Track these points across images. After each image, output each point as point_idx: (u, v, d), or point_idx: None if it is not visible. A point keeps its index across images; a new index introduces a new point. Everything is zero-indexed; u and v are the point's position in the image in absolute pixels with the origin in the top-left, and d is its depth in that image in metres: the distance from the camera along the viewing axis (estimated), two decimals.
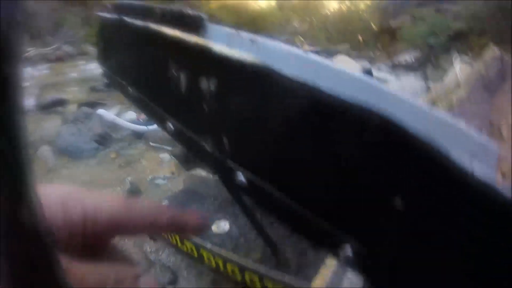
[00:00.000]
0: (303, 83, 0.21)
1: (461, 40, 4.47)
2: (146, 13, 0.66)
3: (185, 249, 0.60)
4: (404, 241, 0.22)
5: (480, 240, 0.19)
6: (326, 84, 0.21)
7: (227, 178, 0.31)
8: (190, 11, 0.80)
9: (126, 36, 0.48)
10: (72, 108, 3.50)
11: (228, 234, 0.65)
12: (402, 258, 0.23)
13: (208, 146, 0.33)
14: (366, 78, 0.22)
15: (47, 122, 3.09)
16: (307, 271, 0.51)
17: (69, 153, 2.22)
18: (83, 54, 7.54)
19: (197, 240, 0.59)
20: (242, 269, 0.48)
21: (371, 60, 6.97)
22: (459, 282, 0.21)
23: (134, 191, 1.50)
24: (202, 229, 0.29)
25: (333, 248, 0.25)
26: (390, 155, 0.20)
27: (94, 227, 0.23)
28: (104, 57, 0.63)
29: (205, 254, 0.56)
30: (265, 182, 0.28)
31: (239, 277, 0.50)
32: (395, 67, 5.22)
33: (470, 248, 0.20)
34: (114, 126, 2.42)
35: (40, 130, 2.94)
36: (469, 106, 1.19)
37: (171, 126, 0.39)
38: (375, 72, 4.11)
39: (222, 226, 0.70)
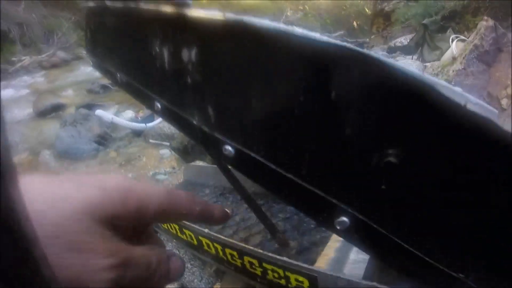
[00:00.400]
0: (278, 30, 0.20)
1: (456, 19, 4.42)
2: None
3: (184, 237, 0.60)
4: (402, 199, 0.21)
5: (479, 183, 0.18)
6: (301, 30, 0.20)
7: (215, 150, 0.30)
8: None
9: (110, 20, 0.47)
10: (70, 111, 3.51)
11: (228, 220, 0.65)
12: (401, 219, 0.22)
13: (195, 120, 0.32)
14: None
15: (46, 127, 3.11)
16: (308, 254, 0.51)
17: (69, 156, 2.22)
18: (77, 59, 7.53)
19: (196, 227, 0.58)
20: (241, 254, 0.48)
21: (367, 46, 6.93)
22: (461, 236, 0.21)
23: None
24: (225, 220, 0.33)
25: (329, 219, 0.24)
26: (381, 104, 0.19)
27: (145, 214, 0.26)
28: (92, 47, 0.63)
29: (204, 241, 0.55)
30: (253, 151, 0.28)
31: (238, 262, 0.49)
32: (391, 51, 5.18)
33: (471, 195, 0.19)
34: (113, 126, 2.42)
35: (40, 135, 2.94)
36: (466, 79, 1.18)
37: (159, 105, 0.38)
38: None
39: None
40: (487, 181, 0.18)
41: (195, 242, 0.57)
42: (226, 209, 0.33)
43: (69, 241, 0.21)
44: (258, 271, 0.46)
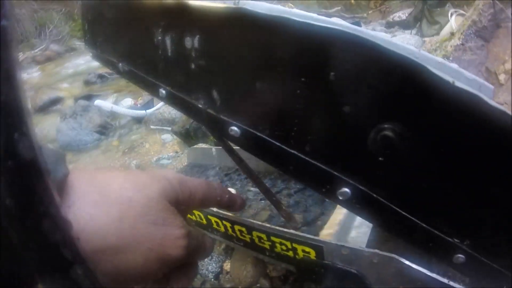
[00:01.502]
0: (276, 17, 0.22)
1: None
2: None
3: (194, 218, 0.62)
4: (398, 170, 0.23)
5: (473, 156, 0.20)
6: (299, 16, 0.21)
7: (222, 131, 0.32)
8: None
9: (108, 11, 0.48)
10: (69, 104, 3.50)
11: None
12: (398, 188, 0.24)
13: (200, 104, 0.34)
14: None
15: (46, 122, 3.11)
16: (313, 226, 0.54)
17: (72, 147, 2.24)
18: (71, 51, 7.44)
19: (206, 212, 0.61)
20: (250, 229, 0.50)
21: (365, 21, 6.83)
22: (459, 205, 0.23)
23: None
24: (243, 206, 0.42)
25: (332, 191, 0.26)
26: (376, 83, 0.21)
27: (193, 201, 0.34)
28: (91, 38, 0.63)
29: (213, 219, 0.58)
30: (258, 131, 0.29)
31: (247, 238, 0.52)
32: (390, 25, 5.12)
33: (461, 166, 0.21)
34: (113, 115, 2.42)
35: (41, 130, 2.95)
36: (464, 54, 1.17)
37: (163, 92, 0.40)
38: (375, 32, 4.02)
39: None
40: (475, 152, 0.20)
41: (205, 222, 0.59)
42: (244, 199, 0.42)
43: (154, 218, 0.27)
44: (267, 244, 0.49)
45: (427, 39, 3.14)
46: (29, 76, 5.78)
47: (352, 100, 0.22)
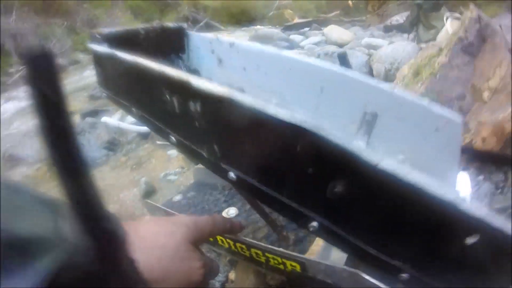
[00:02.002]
0: (256, 110, 0.30)
1: None
2: (132, 37, 0.75)
3: None
4: (350, 212, 0.32)
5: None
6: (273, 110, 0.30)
7: (222, 176, 0.41)
8: (171, 24, 0.89)
9: (120, 69, 0.57)
10: (75, 118, 3.61)
11: (236, 218, 0.76)
12: (351, 225, 0.33)
13: (204, 153, 0.43)
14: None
15: None
16: (303, 244, 0.62)
17: None
18: (74, 64, 7.59)
19: None
20: (248, 247, 0.59)
21: (363, 25, 6.92)
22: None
23: (149, 191, 1.61)
24: (241, 230, 0.55)
25: (306, 224, 0.35)
26: (324, 159, 0.30)
27: (205, 237, 0.46)
28: (103, 81, 0.72)
29: (218, 238, 0.66)
30: (249, 178, 0.38)
31: (247, 253, 0.61)
32: (387, 29, 5.20)
33: (388, 213, 0.30)
34: (120, 131, 2.53)
35: None
36: (451, 72, 1.24)
37: (174, 139, 0.49)
38: (369, 39, 4.11)
39: (231, 211, 0.80)
40: (392, 204, 0.28)
41: (211, 239, 0.68)
42: (241, 223, 0.54)
43: (181, 256, 0.40)
44: (263, 259, 0.58)
45: (424, 45, 3.23)
46: None
47: (313, 165, 0.31)
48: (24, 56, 0.20)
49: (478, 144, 1.04)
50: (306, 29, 7.67)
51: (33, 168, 2.80)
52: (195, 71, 0.82)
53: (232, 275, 0.90)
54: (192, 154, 0.46)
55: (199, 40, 0.82)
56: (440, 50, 1.36)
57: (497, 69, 1.15)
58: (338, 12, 9.39)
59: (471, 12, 1.32)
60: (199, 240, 0.45)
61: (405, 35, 4.14)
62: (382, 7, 6.49)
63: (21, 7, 8.11)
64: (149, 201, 0.95)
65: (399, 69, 2.83)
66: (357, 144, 0.27)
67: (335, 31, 4.53)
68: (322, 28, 7.56)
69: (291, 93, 0.65)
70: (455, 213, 0.25)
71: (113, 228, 0.23)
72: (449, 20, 3.15)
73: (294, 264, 0.52)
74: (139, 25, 0.78)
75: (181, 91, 0.41)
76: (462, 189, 0.62)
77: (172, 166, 1.86)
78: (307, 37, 5.14)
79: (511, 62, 1.13)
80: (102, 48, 0.63)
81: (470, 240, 0.27)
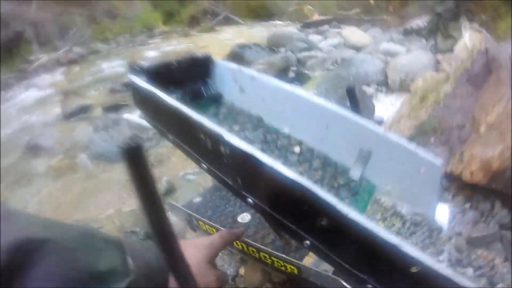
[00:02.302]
0: (267, 164, 0.45)
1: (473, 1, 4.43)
2: (167, 68, 0.90)
3: (208, 229, 0.88)
4: (328, 237, 0.47)
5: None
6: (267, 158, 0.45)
7: (242, 200, 0.56)
8: (199, 54, 1.06)
9: (160, 105, 0.70)
10: (96, 112, 3.80)
11: (248, 224, 0.90)
12: (331, 246, 0.47)
13: (230, 181, 0.58)
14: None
15: (76, 130, 3.39)
16: (301, 252, 0.77)
17: (104, 159, 2.53)
18: (93, 53, 7.82)
19: (222, 227, 0.86)
20: (258, 250, 0.74)
21: (383, 26, 6.93)
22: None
23: (170, 189, 1.78)
24: (242, 235, 0.72)
25: (301, 241, 0.50)
26: (314, 206, 0.45)
27: (218, 252, 0.62)
28: (141, 106, 0.86)
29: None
30: (263, 204, 0.53)
31: (256, 255, 0.76)
32: (407, 33, 5.24)
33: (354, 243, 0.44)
34: (141, 127, 2.71)
35: (71, 138, 3.24)
36: (454, 101, 1.33)
37: (204, 166, 0.64)
38: (387, 44, 4.17)
39: (245, 217, 0.94)
40: (358, 238, 0.43)
41: None
42: (242, 231, 0.71)
43: (203, 273, 0.55)
44: (269, 261, 0.73)
45: (440, 56, 3.31)
46: (54, 79, 6.15)
47: (307, 206, 0.45)
48: (121, 149, 0.35)
49: (466, 176, 1.14)
50: (326, 26, 7.71)
51: (55, 159, 2.96)
52: (219, 96, 0.97)
53: (242, 271, 1.06)
54: (219, 180, 0.61)
55: (224, 68, 0.97)
56: (448, 77, 1.46)
57: (496, 104, 1.23)
58: (358, 10, 9.37)
59: (480, 44, 1.40)
60: (214, 257, 0.61)
61: (424, 41, 4.19)
62: (403, 8, 6.49)
63: None
64: (172, 202, 1.10)
65: (414, 80, 2.94)
66: (335, 199, 0.42)
67: (354, 34, 4.62)
68: (341, 27, 7.60)
69: (302, 125, 0.80)
70: (398, 251, 0.40)
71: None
72: (468, 32, 3.21)
73: (293, 267, 0.67)
74: (172, 58, 0.93)
75: (215, 139, 0.56)
76: (441, 218, 0.75)
77: (191, 166, 2.02)
78: (325, 38, 5.22)
79: (510, 99, 1.18)
80: (143, 83, 0.76)
81: (413, 269, 0.41)
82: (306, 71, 3.58)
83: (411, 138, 1.28)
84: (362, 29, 6.83)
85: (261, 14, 9.82)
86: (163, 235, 0.39)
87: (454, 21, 3.86)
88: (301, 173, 0.73)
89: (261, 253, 0.74)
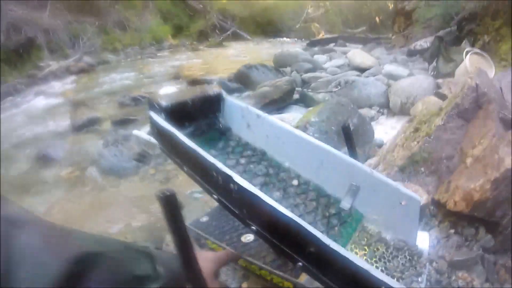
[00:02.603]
0: (268, 203, 0.59)
1: (476, 21, 4.61)
2: (182, 106, 1.03)
3: (215, 248, 1.00)
4: (318, 263, 0.60)
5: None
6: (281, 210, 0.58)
7: (247, 226, 0.69)
8: (211, 91, 1.21)
9: (178, 143, 0.84)
10: (105, 125, 3.95)
11: (252, 243, 1.03)
12: (320, 269, 0.61)
13: (236, 211, 0.72)
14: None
15: (86, 142, 3.53)
16: (297, 271, 0.90)
17: (114, 172, 2.67)
18: (103, 63, 8.05)
19: (226, 246, 0.98)
20: (260, 267, 0.87)
21: (387, 46, 7.13)
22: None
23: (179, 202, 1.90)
24: (238, 259, 0.89)
25: (294, 262, 0.63)
26: (304, 238, 0.58)
27: (219, 269, 0.74)
28: (158, 138, 1.00)
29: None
30: (263, 231, 0.67)
31: (257, 272, 0.89)
32: (411, 53, 5.41)
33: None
34: (149, 144, 2.85)
35: (81, 150, 3.37)
36: (444, 134, 1.44)
37: (215, 196, 0.78)
38: (390, 66, 4.32)
39: (248, 237, 1.06)
40: (337, 263, 0.56)
41: None
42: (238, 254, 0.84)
43: (209, 281, 0.66)
44: (268, 277, 0.86)
45: (440, 80, 3.46)
46: (64, 88, 6.29)
47: (299, 236, 0.59)
48: (159, 196, 0.49)
49: (451, 205, 1.24)
50: (332, 44, 7.90)
51: (65, 170, 3.08)
52: (228, 129, 1.11)
53: (244, 285, 1.18)
54: (227, 209, 0.75)
55: (233, 105, 1.11)
56: (441, 109, 1.58)
57: (483, 138, 1.34)
58: (364, 28, 9.59)
59: (471, 80, 1.54)
60: (218, 270, 0.72)
61: (426, 64, 4.35)
62: (408, 28, 6.69)
63: (55, 3, 8.58)
64: None
65: (414, 103, 3.07)
66: (320, 233, 0.55)
67: (358, 56, 4.79)
68: (347, 44, 7.79)
69: (300, 160, 0.93)
70: (369, 275, 0.53)
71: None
72: (468, 56, 3.35)
73: (288, 283, 0.80)
74: (187, 95, 1.07)
75: (225, 178, 0.70)
76: (422, 244, 0.86)
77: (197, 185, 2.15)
78: (330, 59, 5.40)
79: (495, 134, 1.29)
80: (162, 121, 0.91)
81: None
82: (310, 93, 3.72)
83: (403, 167, 1.40)
84: (367, 47, 7.03)
85: (269, 30, 10.08)
86: (188, 258, 0.52)
87: (456, 45, 4.00)
88: (298, 203, 0.87)
89: (262, 271, 0.87)
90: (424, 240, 0.88)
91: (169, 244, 1.53)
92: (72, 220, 2.35)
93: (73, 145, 3.52)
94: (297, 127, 2.11)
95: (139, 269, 0.50)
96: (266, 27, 10.32)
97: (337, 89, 3.64)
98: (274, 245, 0.65)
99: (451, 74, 3.68)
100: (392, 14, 8.11)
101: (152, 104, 0.99)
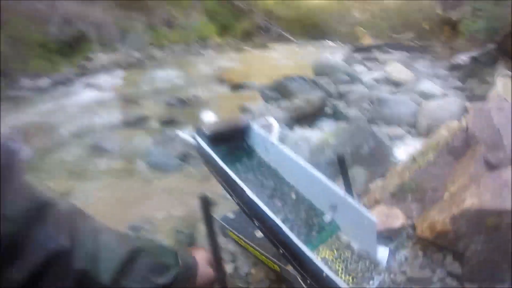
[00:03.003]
0: (272, 219, 1.00)
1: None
2: (221, 132, 1.47)
3: (236, 238, 1.40)
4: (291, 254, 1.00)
5: None
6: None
7: (253, 223, 1.11)
8: (241, 123, 1.71)
9: (217, 167, 1.27)
10: (153, 124, 4.48)
11: (262, 238, 1.41)
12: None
13: (247, 212, 1.13)
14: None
15: (135, 138, 4.04)
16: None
17: (159, 168, 3.18)
18: (151, 59, 8.67)
19: (244, 238, 1.38)
20: (267, 258, 1.26)
21: (432, 57, 7.18)
22: None
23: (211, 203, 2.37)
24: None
25: (278, 251, 1.04)
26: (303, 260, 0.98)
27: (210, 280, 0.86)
28: (202, 159, 1.44)
29: (247, 246, 1.33)
30: (262, 226, 1.08)
31: (265, 262, 1.28)
32: (452, 68, 5.52)
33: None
34: (191, 145, 3.34)
35: (131, 145, 3.87)
36: (433, 169, 1.65)
37: (235, 201, 1.19)
38: (425, 84, 4.49)
39: (260, 233, 1.43)
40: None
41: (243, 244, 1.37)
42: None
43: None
44: (272, 266, 1.26)
45: (468, 104, 3.65)
46: (114, 82, 6.91)
47: (298, 257, 0.99)
48: (200, 198, 0.91)
49: (418, 231, 1.45)
50: (376, 51, 8.11)
51: (116, 161, 3.60)
52: (253, 151, 1.53)
53: (253, 270, 1.59)
54: (243, 210, 1.16)
55: (257, 132, 1.53)
56: (437, 144, 1.85)
57: (461, 177, 1.51)
58: (411, 34, 9.58)
59: (462, 122, 1.81)
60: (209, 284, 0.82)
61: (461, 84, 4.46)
62: (454, 39, 6.70)
63: None
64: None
65: (439, 127, 3.30)
66: (299, 241, 0.95)
67: (396, 70, 5.02)
68: (392, 51, 7.93)
69: (299, 180, 1.33)
70: (314, 263, 0.92)
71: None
72: (500, 79, 3.50)
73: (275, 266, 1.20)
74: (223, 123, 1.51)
75: (240, 189, 1.11)
76: (381, 256, 1.10)
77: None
78: (369, 70, 5.65)
79: (472, 174, 1.46)
80: (205, 145, 1.35)
81: None
82: (342, 110, 4.03)
83: (394, 194, 1.72)
84: (412, 56, 7.14)
85: (313, 33, 10.31)
86: (214, 247, 0.93)
87: (491, 67, 4.09)
88: (292, 212, 1.26)
89: (269, 261, 1.26)
90: (383, 254, 1.13)
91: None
92: (120, 206, 2.81)
93: (124, 139, 4.02)
94: (317, 145, 2.48)
95: (166, 259, 0.70)
96: (311, 29, 10.55)
97: (369, 107, 3.93)
98: (268, 238, 1.06)
99: (484, 97, 3.85)
100: (440, 22, 8.12)
101: (199, 131, 1.44)
